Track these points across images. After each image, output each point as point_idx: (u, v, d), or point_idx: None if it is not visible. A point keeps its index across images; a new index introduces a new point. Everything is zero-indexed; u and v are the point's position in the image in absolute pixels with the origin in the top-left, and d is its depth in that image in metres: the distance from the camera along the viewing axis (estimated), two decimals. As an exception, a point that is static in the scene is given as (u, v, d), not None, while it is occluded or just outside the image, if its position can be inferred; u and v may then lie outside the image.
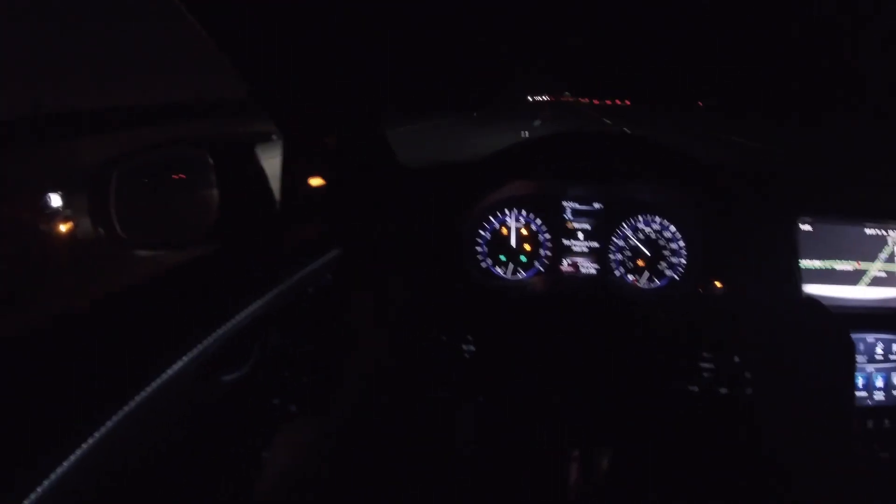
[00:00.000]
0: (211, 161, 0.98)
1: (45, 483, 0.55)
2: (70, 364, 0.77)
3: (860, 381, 1.03)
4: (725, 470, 0.94)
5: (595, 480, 0.89)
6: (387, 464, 1.02)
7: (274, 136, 1.03)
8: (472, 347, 0.94)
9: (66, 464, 0.58)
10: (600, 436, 0.90)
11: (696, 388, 0.91)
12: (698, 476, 0.94)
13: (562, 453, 0.90)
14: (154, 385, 0.75)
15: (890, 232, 1.10)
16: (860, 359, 1.03)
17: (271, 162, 1.03)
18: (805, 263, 1.06)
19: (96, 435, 0.64)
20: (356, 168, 1.03)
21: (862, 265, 1.08)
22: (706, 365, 0.92)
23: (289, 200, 1.02)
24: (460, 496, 0.98)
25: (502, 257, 1.07)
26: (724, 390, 0.91)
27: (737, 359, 0.93)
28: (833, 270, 1.07)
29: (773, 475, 0.91)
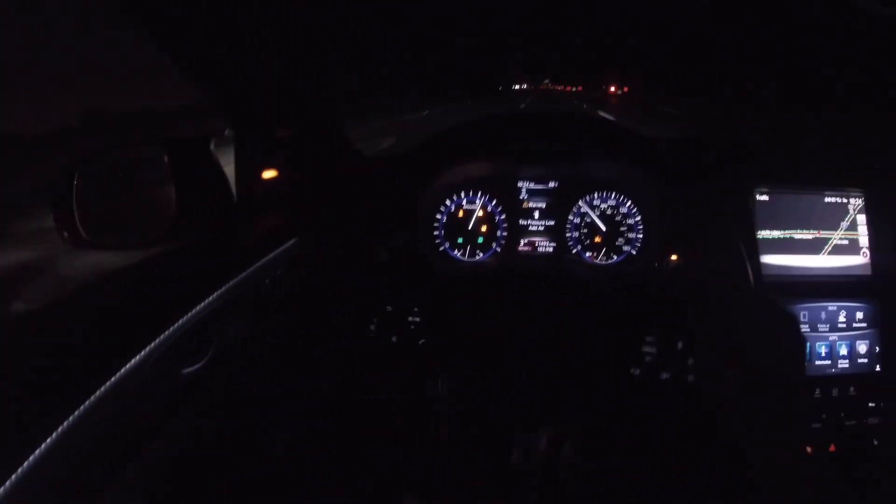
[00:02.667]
0: (166, 159, 0.99)
1: (7, 484, 0.56)
2: (28, 363, 0.78)
3: (824, 351, 1.02)
4: (671, 453, 0.94)
5: (535, 460, 0.89)
6: (356, 447, 1.03)
7: (227, 132, 1.04)
8: (417, 319, 0.94)
9: (26, 464, 0.59)
10: (544, 415, 0.90)
11: (638, 372, 0.91)
12: (641, 458, 0.94)
13: (508, 432, 0.90)
14: (112, 381, 0.76)
15: (851, 199, 1.09)
16: (823, 327, 1.02)
17: (228, 158, 1.05)
18: (764, 234, 1.05)
19: (57, 432, 0.65)
20: (311, 159, 1.04)
21: (822, 234, 1.08)
22: (649, 350, 0.92)
23: (245, 194, 1.04)
24: (424, 476, 0.99)
25: (459, 240, 1.07)
26: (665, 375, 0.91)
27: (680, 345, 0.93)
28: (793, 240, 1.07)
29: (723, 459, 0.90)
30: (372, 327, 0.93)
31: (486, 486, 0.89)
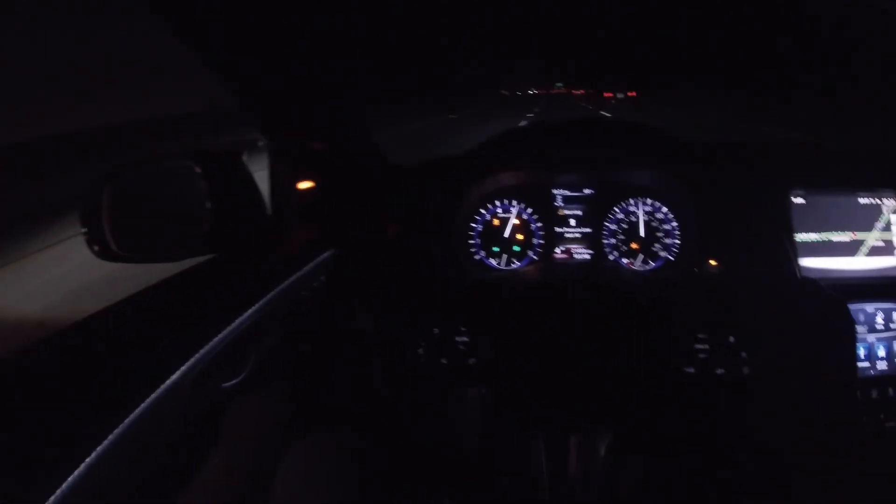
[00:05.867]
0: (199, 171, 0.98)
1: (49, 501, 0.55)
2: (68, 379, 0.78)
3: (862, 352, 1.02)
4: (727, 450, 0.94)
5: (594, 466, 0.88)
6: (395, 458, 1.03)
7: (260, 143, 1.03)
8: (465, 339, 0.94)
9: (69, 481, 0.59)
10: (599, 422, 0.90)
11: (692, 370, 0.91)
12: (699, 457, 0.94)
13: (562, 440, 0.89)
14: (153, 397, 0.75)
15: (884, 200, 1.09)
16: (861, 329, 1.03)
17: (262, 168, 1.03)
18: (801, 237, 1.05)
19: (98, 449, 0.64)
20: (345, 170, 1.03)
21: (858, 235, 1.08)
22: (701, 346, 0.92)
23: (279, 205, 1.03)
24: (465, 484, 0.99)
25: (495, 248, 1.06)
26: (720, 371, 0.90)
27: (732, 338, 0.92)
28: (830, 242, 1.07)
29: (777, 453, 0.90)
30: (420, 351, 0.93)
31: (537, 494, 0.89)
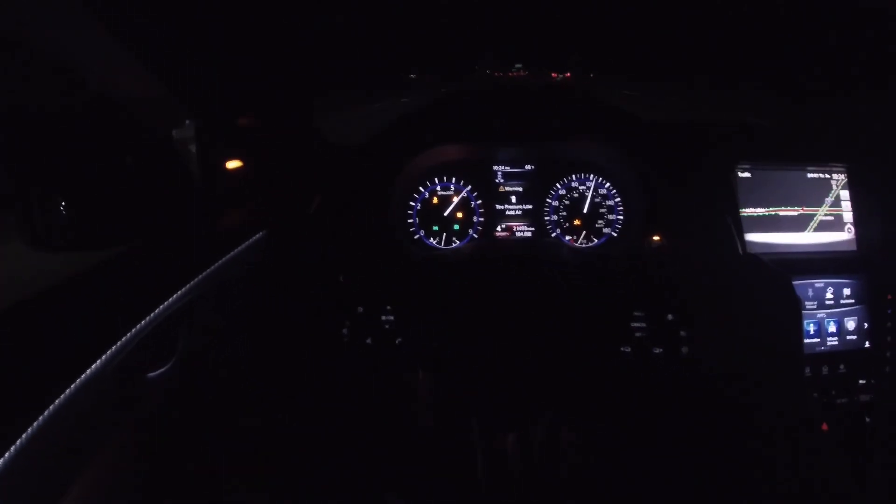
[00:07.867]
0: (127, 156, 0.95)
1: None
2: None
3: (812, 328, 0.99)
4: (671, 429, 0.91)
5: (533, 448, 0.85)
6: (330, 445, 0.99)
7: (188, 122, 1.00)
8: (391, 318, 0.90)
9: None
10: (538, 403, 0.87)
11: (628, 350, 0.88)
12: (640, 437, 0.91)
13: (500, 423, 0.86)
14: (71, 389, 0.71)
15: (833, 175, 1.07)
16: (811, 305, 1.00)
17: (191, 149, 1.00)
18: (747, 212, 1.03)
19: (20, 440, 0.60)
20: (277, 148, 1.00)
21: (807, 210, 1.05)
22: (638, 325, 0.89)
23: (209, 187, 0.99)
24: (402, 472, 0.95)
25: (435, 227, 1.03)
26: (658, 350, 0.87)
27: (670, 317, 0.89)
28: (777, 217, 1.04)
29: (724, 433, 0.87)
30: (344, 331, 0.89)
31: (471, 482, 0.86)
